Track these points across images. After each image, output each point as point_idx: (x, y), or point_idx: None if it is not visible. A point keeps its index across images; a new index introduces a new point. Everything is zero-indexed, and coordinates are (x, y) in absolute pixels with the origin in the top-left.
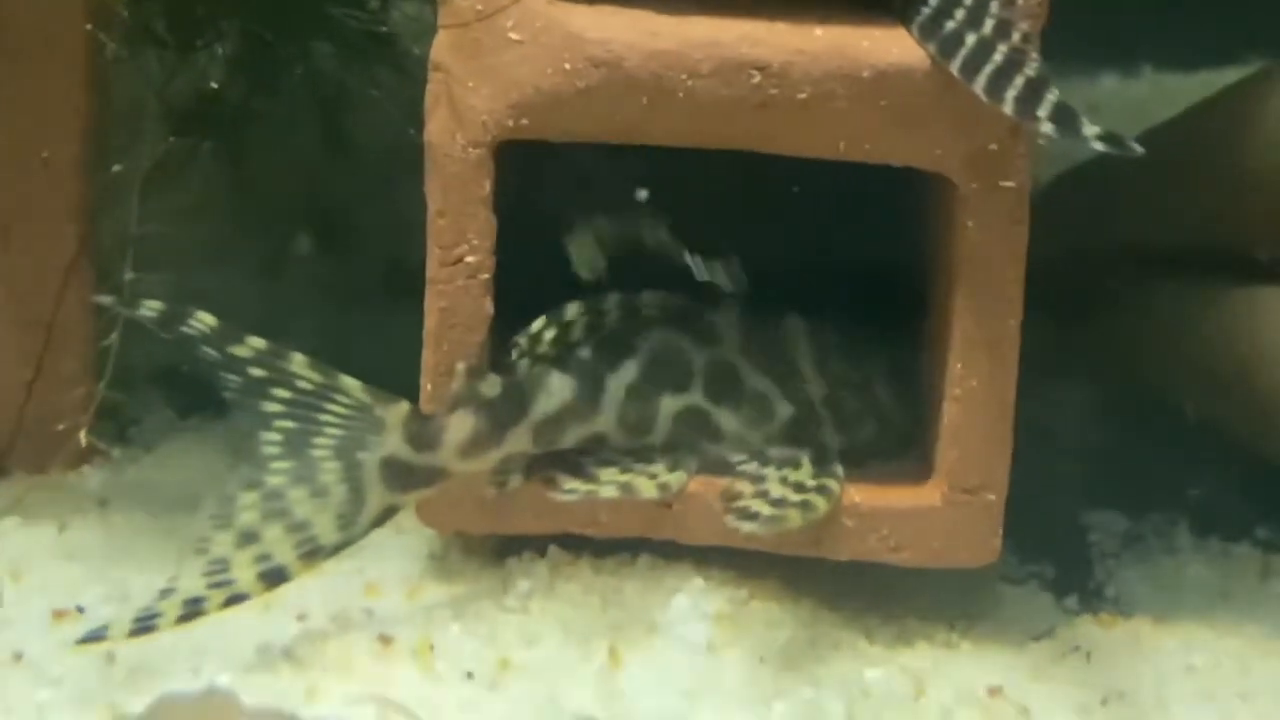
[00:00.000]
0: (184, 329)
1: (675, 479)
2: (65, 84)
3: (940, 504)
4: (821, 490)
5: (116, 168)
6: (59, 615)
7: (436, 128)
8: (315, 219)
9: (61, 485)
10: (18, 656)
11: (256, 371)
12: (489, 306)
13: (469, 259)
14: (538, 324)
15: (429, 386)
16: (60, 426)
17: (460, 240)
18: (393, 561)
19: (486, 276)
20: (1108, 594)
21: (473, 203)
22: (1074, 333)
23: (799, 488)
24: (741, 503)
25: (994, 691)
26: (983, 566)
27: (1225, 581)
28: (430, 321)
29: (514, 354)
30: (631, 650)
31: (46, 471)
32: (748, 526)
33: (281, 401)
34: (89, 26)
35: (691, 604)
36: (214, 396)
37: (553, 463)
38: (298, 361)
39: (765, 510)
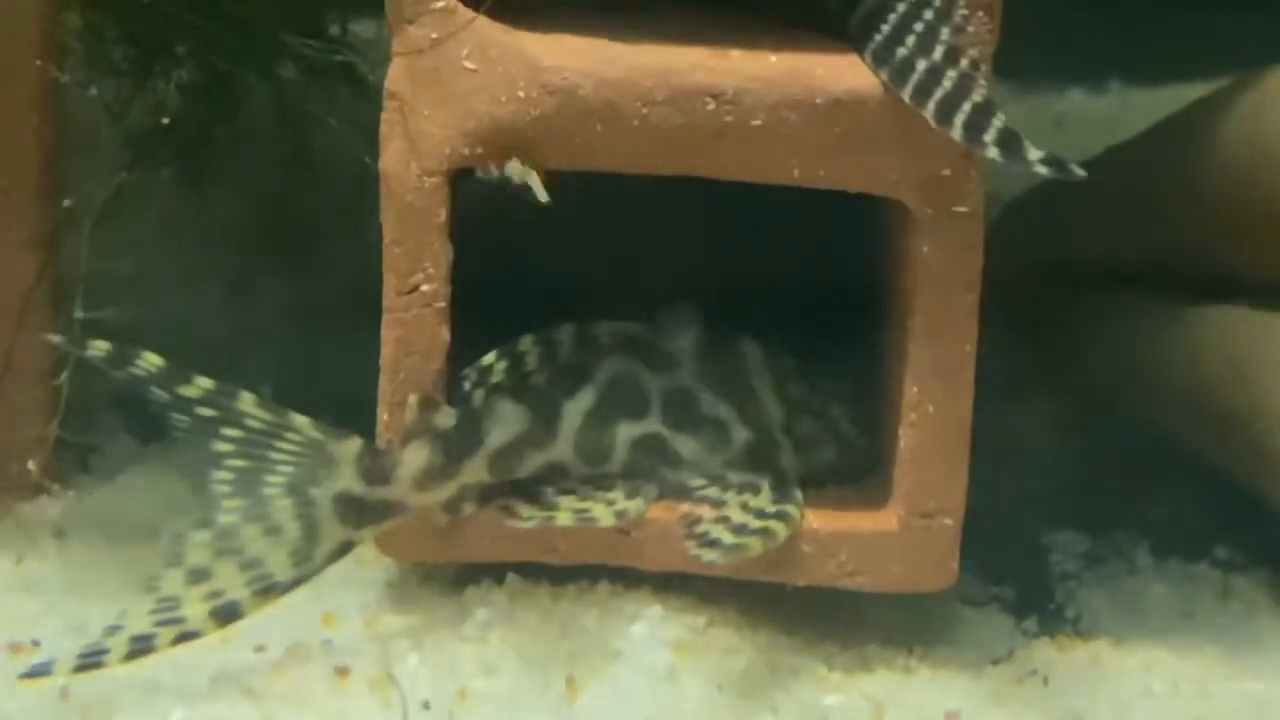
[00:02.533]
0: (131, 370)
1: (633, 506)
2: (21, 113)
3: (897, 529)
4: (781, 516)
5: (67, 203)
6: (14, 649)
7: (392, 156)
8: (278, 243)
9: (18, 516)
10: None
11: (205, 411)
12: (445, 335)
13: (425, 287)
14: (489, 358)
15: (385, 415)
16: (16, 458)
17: (416, 269)
18: (350, 591)
19: (443, 305)
20: (1067, 615)
21: (428, 231)
22: (1033, 351)
23: (759, 514)
24: (702, 528)
25: (952, 716)
26: (941, 590)
27: (1185, 602)
28: (387, 350)
29: (465, 386)
30: (590, 678)
31: (3, 502)
32: (709, 555)
33: (231, 440)
34: (39, 60)
35: (650, 631)
36: None
37: (510, 491)
38: (246, 400)
39: (726, 538)
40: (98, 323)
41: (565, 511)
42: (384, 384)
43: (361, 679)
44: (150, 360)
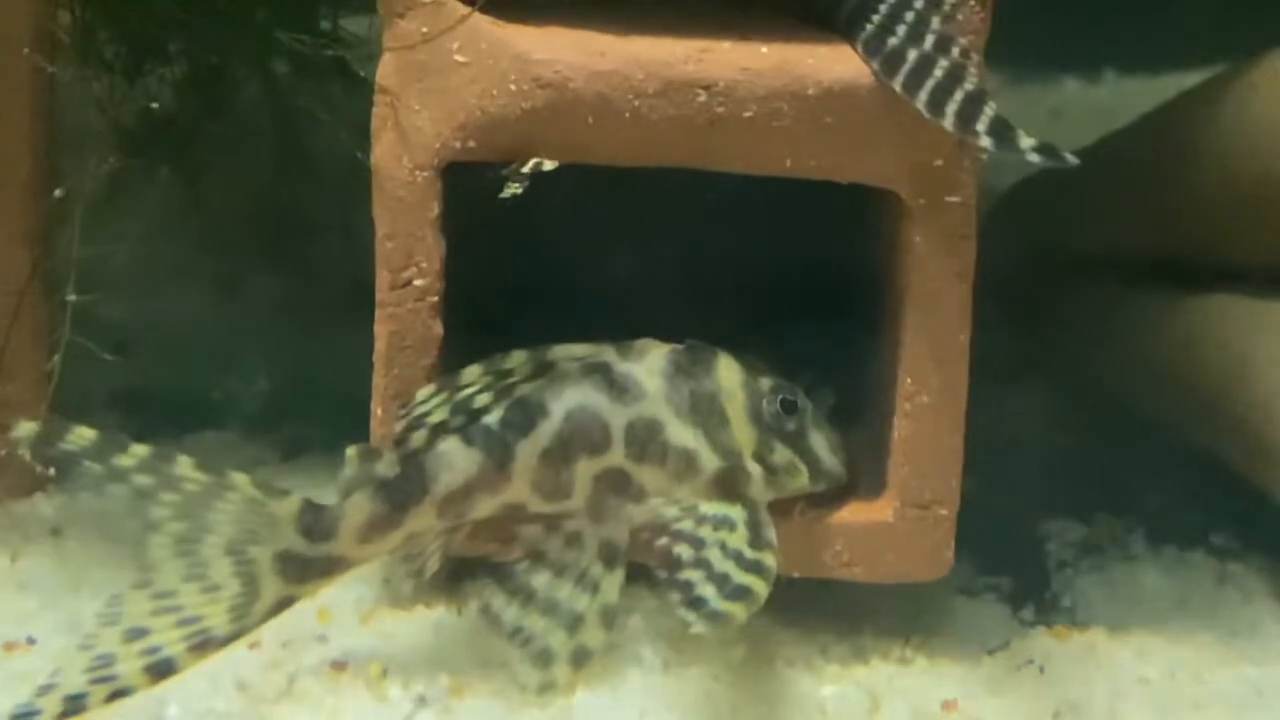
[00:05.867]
0: (63, 446)
1: (610, 597)
2: (12, 109)
3: (893, 519)
4: (759, 569)
5: (58, 192)
6: (9, 647)
7: (383, 151)
8: (271, 238)
9: (13, 513)
10: None
11: (142, 479)
12: (439, 329)
13: (417, 281)
14: (424, 392)
15: (379, 411)
16: (10, 454)
17: (408, 263)
18: (346, 586)
19: (435, 299)
20: (1063, 604)
21: (421, 225)
22: (1029, 340)
23: (739, 559)
24: (684, 575)
25: (949, 706)
26: (937, 580)
27: (1181, 589)
28: (380, 345)
29: (403, 426)
30: (586, 672)
31: None
32: (698, 628)
33: (169, 505)
34: (31, 55)
35: (646, 623)
36: (171, 419)
37: (476, 557)
38: (183, 464)
39: (712, 600)
40: (91, 316)
41: (526, 633)
42: (378, 379)
43: (358, 674)
44: (82, 434)
